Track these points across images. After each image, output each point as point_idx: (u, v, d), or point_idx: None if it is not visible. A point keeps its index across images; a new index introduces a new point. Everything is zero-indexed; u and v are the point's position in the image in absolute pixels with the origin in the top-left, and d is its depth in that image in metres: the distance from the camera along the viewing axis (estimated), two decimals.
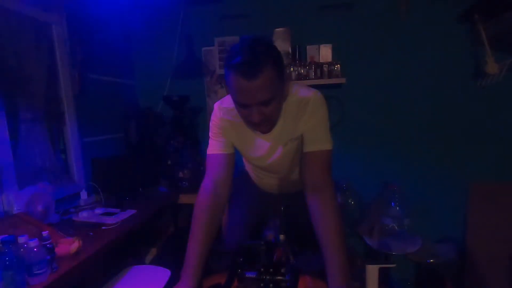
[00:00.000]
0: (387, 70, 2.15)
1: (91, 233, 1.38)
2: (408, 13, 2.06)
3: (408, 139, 2.18)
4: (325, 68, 2.10)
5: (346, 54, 2.15)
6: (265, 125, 0.99)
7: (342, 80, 2.08)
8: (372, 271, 1.57)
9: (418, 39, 2.09)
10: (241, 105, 0.94)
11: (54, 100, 1.79)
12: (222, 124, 1.12)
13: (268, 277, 0.88)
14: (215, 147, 1.13)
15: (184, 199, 2.07)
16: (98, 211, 1.65)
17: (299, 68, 2.11)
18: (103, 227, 1.45)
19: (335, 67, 2.09)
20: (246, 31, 2.16)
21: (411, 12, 2.06)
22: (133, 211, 1.65)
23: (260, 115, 0.92)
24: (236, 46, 0.89)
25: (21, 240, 1.00)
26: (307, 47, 2.17)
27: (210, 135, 1.15)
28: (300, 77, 2.11)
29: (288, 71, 2.08)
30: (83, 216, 1.58)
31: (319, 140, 1.05)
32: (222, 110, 1.12)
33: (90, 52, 1.98)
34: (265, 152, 1.14)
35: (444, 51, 2.06)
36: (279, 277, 0.88)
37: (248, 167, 1.40)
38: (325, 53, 2.14)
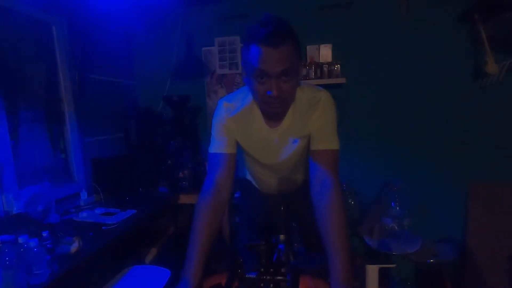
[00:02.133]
0: (387, 70, 2.15)
1: (91, 233, 1.38)
2: (408, 13, 2.06)
3: (408, 139, 2.18)
4: (325, 68, 2.10)
5: (346, 54, 2.15)
6: (279, 104, 0.98)
7: (342, 80, 2.08)
8: (372, 271, 1.57)
9: (418, 39, 2.08)
10: (261, 78, 0.94)
11: (54, 100, 1.79)
12: (227, 122, 1.10)
13: (268, 277, 0.88)
14: (217, 146, 1.12)
15: (184, 199, 2.07)
16: (98, 211, 1.65)
17: (301, 60, 2.11)
18: (103, 227, 1.45)
19: (335, 67, 2.09)
20: None
21: (411, 12, 2.06)
22: (133, 211, 1.65)
23: (278, 90, 0.93)
24: (258, 22, 0.93)
25: (21, 240, 1.00)
26: (307, 47, 2.17)
27: (212, 133, 1.14)
28: (301, 73, 2.11)
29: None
30: (83, 216, 1.58)
31: (328, 139, 1.06)
32: (228, 108, 1.10)
33: (90, 52, 1.98)
34: (272, 148, 1.14)
35: (444, 51, 2.06)
36: (279, 277, 0.88)
37: (249, 168, 1.39)
38: (325, 53, 2.14)
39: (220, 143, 1.11)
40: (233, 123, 1.10)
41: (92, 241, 1.31)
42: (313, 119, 1.05)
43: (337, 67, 2.09)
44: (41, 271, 1.01)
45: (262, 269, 0.89)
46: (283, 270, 0.89)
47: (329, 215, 0.98)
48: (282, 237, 1.00)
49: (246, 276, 0.91)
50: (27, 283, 0.99)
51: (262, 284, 0.88)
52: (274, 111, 1.04)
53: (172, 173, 2.16)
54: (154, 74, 2.45)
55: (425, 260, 1.95)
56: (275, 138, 1.11)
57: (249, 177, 1.43)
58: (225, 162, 1.11)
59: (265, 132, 1.10)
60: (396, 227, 2.02)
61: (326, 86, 2.05)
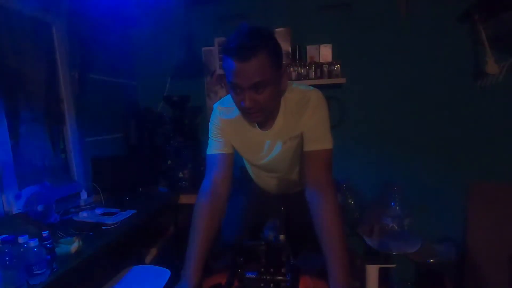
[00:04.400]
0: (387, 70, 2.15)
1: (91, 233, 1.38)
2: (408, 13, 2.06)
3: (408, 139, 2.18)
4: (325, 68, 2.10)
5: (346, 54, 2.15)
6: (257, 114, 0.99)
7: (342, 80, 2.08)
8: (372, 271, 1.56)
9: (418, 39, 2.08)
10: (235, 89, 0.95)
11: (54, 100, 1.79)
12: (221, 124, 1.13)
13: (268, 277, 0.88)
14: (214, 147, 1.14)
15: (184, 199, 2.07)
16: (98, 211, 1.65)
17: (299, 68, 2.11)
18: (103, 227, 1.45)
19: (335, 67, 2.09)
20: None
21: (411, 12, 2.06)
22: (133, 211, 1.65)
23: (252, 101, 0.93)
24: (234, 32, 0.92)
25: (21, 240, 1.00)
26: (307, 47, 2.17)
27: (209, 135, 1.16)
28: (300, 77, 2.11)
29: (288, 71, 2.08)
30: (83, 216, 1.58)
31: (320, 139, 1.06)
32: (221, 110, 1.13)
33: (90, 52, 1.98)
34: (264, 150, 1.15)
35: (444, 51, 2.06)
36: (279, 277, 0.88)
37: (248, 167, 1.40)
38: (325, 53, 2.14)
39: (216, 144, 1.14)
40: (227, 126, 1.13)
41: (92, 241, 1.31)
42: (304, 119, 1.05)
43: (337, 67, 2.09)
44: (41, 271, 1.01)
45: (262, 269, 0.90)
46: (283, 270, 0.89)
47: (324, 216, 0.98)
48: (282, 237, 1.00)
49: (246, 276, 0.91)
50: (27, 283, 0.99)
51: (262, 284, 0.88)
52: (252, 120, 1.06)
53: (172, 173, 2.16)
54: (154, 74, 2.45)
55: (425, 260, 1.95)
56: (267, 140, 1.12)
57: (247, 168, 1.43)
58: (222, 162, 1.12)
59: (257, 135, 1.12)
60: (396, 227, 2.02)
61: (326, 86, 2.08)
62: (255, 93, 0.93)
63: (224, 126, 1.13)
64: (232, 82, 0.94)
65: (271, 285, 0.88)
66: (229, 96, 1.14)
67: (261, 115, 1.00)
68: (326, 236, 0.95)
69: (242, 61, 0.89)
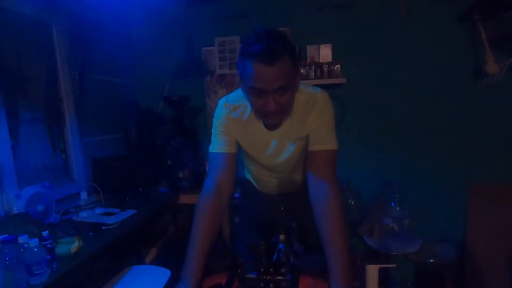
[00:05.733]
0: (387, 70, 2.15)
1: (91, 233, 1.38)
2: (408, 13, 2.06)
3: (408, 139, 2.18)
4: (325, 68, 2.10)
5: (346, 54, 2.16)
6: (278, 116, 0.99)
7: (342, 80, 2.08)
8: (372, 271, 1.56)
9: (418, 39, 2.09)
10: (257, 93, 0.94)
11: (54, 100, 1.79)
12: (228, 122, 1.11)
13: (268, 277, 0.88)
14: (218, 145, 1.12)
15: (184, 199, 2.07)
16: (98, 211, 1.64)
17: (299, 68, 2.12)
18: (103, 227, 1.45)
19: (335, 67, 2.10)
20: (246, 31, 2.16)
21: (411, 12, 2.06)
22: (133, 211, 1.65)
23: (276, 104, 0.93)
24: (252, 36, 0.91)
25: (21, 240, 1.00)
26: (307, 47, 2.17)
27: (213, 132, 1.14)
28: (300, 77, 2.11)
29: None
30: (83, 216, 1.57)
31: (325, 140, 1.06)
32: (228, 108, 1.11)
33: (90, 52, 1.98)
34: (272, 150, 1.14)
35: (444, 51, 2.06)
36: (279, 277, 0.88)
37: (248, 167, 1.40)
38: (325, 53, 2.14)
39: (221, 143, 1.12)
40: (233, 123, 1.11)
41: (92, 241, 1.30)
42: (311, 120, 1.06)
43: (337, 67, 2.09)
44: (41, 271, 1.00)
45: (262, 269, 0.89)
46: (283, 270, 0.89)
47: (327, 216, 0.98)
48: (282, 237, 1.00)
49: (246, 276, 0.91)
50: (27, 283, 0.99)
51: (262, 284, 0.88)
52: (272, 123, 1.05)
53: (172, 173, 2.16)
54: (154, 74, 2.45)
55: (425, 260, 1.95)
56: (273, 140, 1.12)
57: (248, 176, 1.43)
58: (226, 161, 1.11)
59: (264, 135, 1.11)
60: (396, 227, 2.02)
61: (326, 86, 2.08)
62: (278, 96, 0.92)
63: (230, 124, 1.11)
64: (254, 87, 0.92)
65: (271, 285, 0.88)
66: (235, 93, 1.14)
67: (280, 117, 1.01)
68: (329, 236, 0.95)
69: (267, 65, 0.87)
